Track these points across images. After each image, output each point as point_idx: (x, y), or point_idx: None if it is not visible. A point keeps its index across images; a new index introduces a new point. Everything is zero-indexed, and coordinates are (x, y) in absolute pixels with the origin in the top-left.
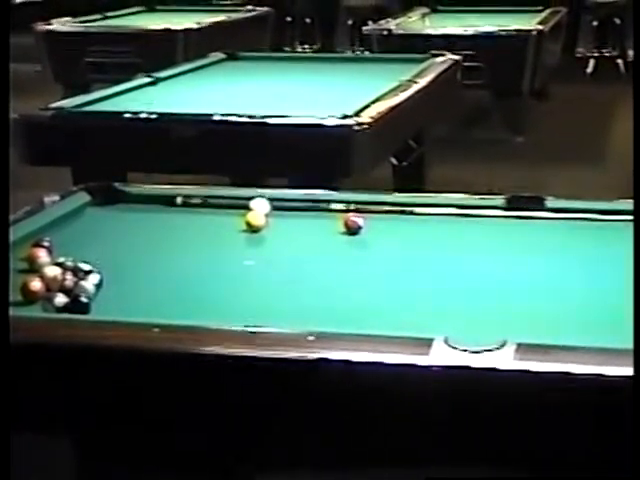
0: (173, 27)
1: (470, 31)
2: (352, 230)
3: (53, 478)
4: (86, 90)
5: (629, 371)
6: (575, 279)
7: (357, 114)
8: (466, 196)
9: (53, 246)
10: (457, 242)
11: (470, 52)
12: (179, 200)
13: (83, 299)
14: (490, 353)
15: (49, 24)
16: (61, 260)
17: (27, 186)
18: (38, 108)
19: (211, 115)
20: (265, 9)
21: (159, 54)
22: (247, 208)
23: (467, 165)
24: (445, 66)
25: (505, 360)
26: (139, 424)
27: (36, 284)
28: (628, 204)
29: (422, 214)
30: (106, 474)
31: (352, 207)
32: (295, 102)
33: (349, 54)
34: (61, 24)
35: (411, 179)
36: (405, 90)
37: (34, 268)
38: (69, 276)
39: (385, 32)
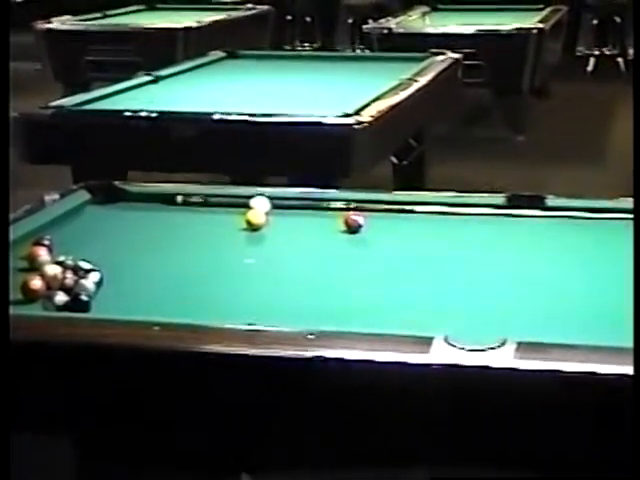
0: (173, 26)
1: (470, 29)
2: (352, 229)
3: (53, 478)
4: (86, 89)
5: (629, 370)
6: (575, 278)
7: (357, 113)
8: (466, 195)
9: (53, 245)
10: (457, 241)
11: (470, 50)
12: (179, 199)
13: (83, 297)
14: (490, 352)
15: (49, 22)
16: (61, 259)
17: (27, 185)
18: (38, 107)
19: (211, 114)
20: (265, 7)
21: (159, 52)
22: (247, 207)
23: (467, 164)
24: (445, 64)
25: (505, 359)
26: (139, 423)
27: (36, 282)
28: (628, 203)
29: (422, 212)
30: (106, 474)
31: (352, 206)
32: (295, 101)
33: (349, 52)
34: (61, 23)
35: (411, 178)
36: (405, 89)
37: (34, 266)
38: (69, 274)
39: (385, 31)
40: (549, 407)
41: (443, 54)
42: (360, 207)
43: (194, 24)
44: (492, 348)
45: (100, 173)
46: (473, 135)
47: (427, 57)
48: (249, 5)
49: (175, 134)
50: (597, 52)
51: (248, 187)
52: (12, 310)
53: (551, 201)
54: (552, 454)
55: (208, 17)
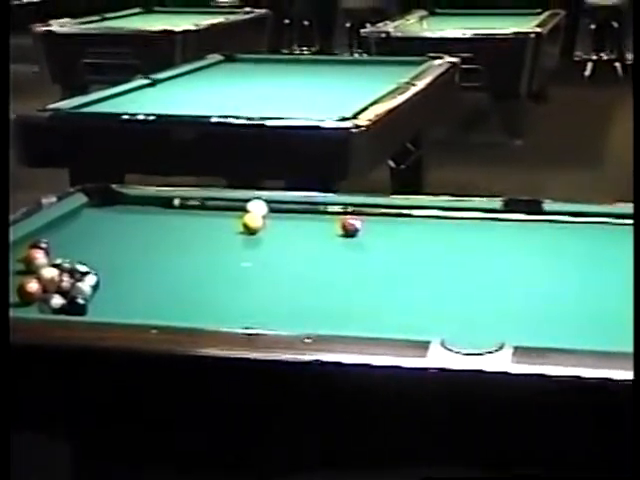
0: (171, 29)
1: (468, 34)
2: (349, 233)
3: (53, 478)
4: (84, 91)
5: (627, 374)
6: (573, 282)
7: (355, 116)
8: (464, 199)
9: (50, 247)
10: (454, 245)
11: (468, 54)
12: (176, 202)
13: (80, 300)
14: (487, 356)
15: (47, 25)
16: (58, 261)
17: (25, 187)
18: (36, 109)
19: (209, 117)
20: (263, 11)
21: (157, 56)
22: (244, 210)
23: (465, 168)
24: (443, 69)
25: (502, 363)
26: (137, 426)
27: (33, 285)
28: (626, 207)
29: (419, 217)
30: (105, 476)
31: (349, 210)
32: (293, 104)
33: (347, 56)
34: (59, 25)
35: (409, 182)
36: (403, 93)
37: (31, 269)
38: (66, 277)
39: (383, 35)
40: (546, 411)
41: (441, 58)
42: (357, 211)
43: (192, 27)
44: (489, 352)
45: (97, 176)
46: (471, 139)
47: (425, 61)
48: (247, 9)
49: (173, 137)
50: (595, 57)
51: (245, 191)
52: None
53: (548, 205)
54: (549, 458)
55: (206, 20)
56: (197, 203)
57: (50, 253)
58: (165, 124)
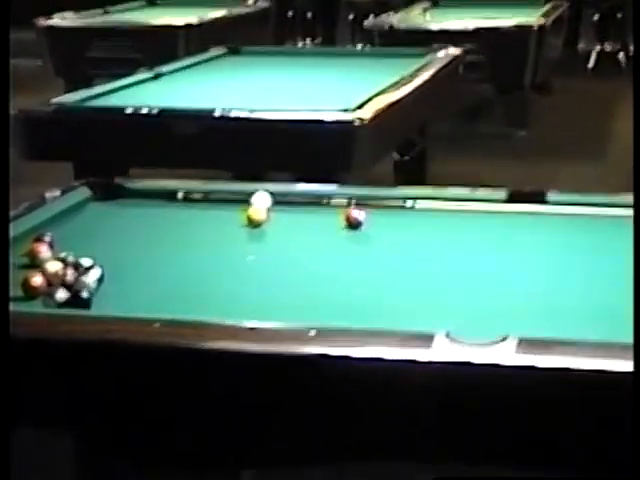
0: (175, 22)
1: (471, 25)
2: (353, 225)
3: (55, 474)
4: (87, 85)
5: (630, 366)
6: (576, 273)
7: (358, 109)
8: (468, 190)
9: (54, 241)
10: (459, 236)
11: (472, 46)
12: (180, 195)
13: (84, 294)
14: (491, 347)
15: (50, 19)
16: (62, 255)
17: (29, 182)
18: (40, 103)
19: (213, 110)
20: (266, 4)
21: (160, 49)
22: (248, 203)
23: (469, 159)
24: (446, 60)
25: (506, 354)
26: (141, 419)
27: (37, 279)
28: (630, 198)
29: (423, 208)
30: (109, 471)
31: (353, 201)
32: (296, 97)
33: (350, 48)
34: (62, 19)
35: (413, 174)
36: (406, 85)
37: (35, 263)
38: (70, 271)
39: (386, 26)
40: (551, 403)
41: (445, 49)
42: (361, 203)
43: (195, 20)
44: (494, 344)
45: (101, 170)
46: (474, 131)
47: (428, 53)
48: (250, 1)
49: (176, 130)
50: (598, 48)
51: (249, 183)
52: (13, 307)
53: (552, 197)
54: (553, 450)
55: (209, 13)
56: (201, 196)
57: (54, 247)
58: (169, 117)
